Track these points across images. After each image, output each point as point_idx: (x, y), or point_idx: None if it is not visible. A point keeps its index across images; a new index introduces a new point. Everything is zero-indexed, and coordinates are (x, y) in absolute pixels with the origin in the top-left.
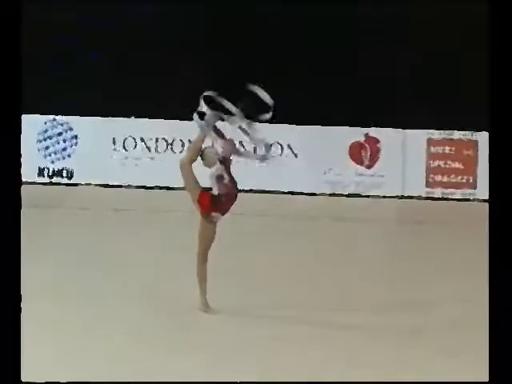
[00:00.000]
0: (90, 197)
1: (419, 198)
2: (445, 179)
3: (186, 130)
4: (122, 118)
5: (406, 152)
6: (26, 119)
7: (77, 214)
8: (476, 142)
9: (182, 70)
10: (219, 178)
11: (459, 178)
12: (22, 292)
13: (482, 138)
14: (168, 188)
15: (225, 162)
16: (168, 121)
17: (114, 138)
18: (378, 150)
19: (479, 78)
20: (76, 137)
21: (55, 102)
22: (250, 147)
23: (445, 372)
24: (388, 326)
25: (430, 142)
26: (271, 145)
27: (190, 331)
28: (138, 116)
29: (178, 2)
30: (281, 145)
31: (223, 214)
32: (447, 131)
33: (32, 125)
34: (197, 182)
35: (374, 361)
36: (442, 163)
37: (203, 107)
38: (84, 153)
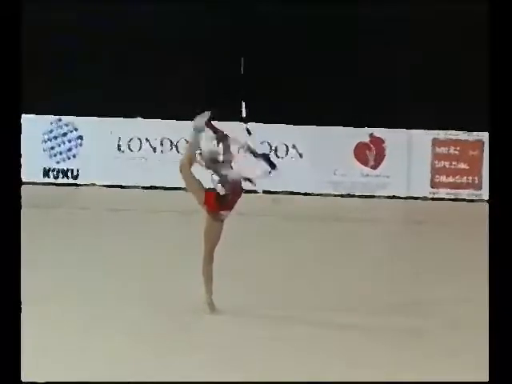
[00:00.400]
0: (92, 197)
1: (424, 198)
2: (450, 180)
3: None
4: (127, 119)
5: (411, 152)
6: (32, 120)
7: (77, 214)
8: (482, 143)
9: (183, 70)
10: (223, 179)
11: (464, 178)
12: (22, 292)
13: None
14: (170, 188)
15: (225, 161)
16: (172, 121)
17: (119, 138)
18: (383, 151)
19: (479, 77)
20: (81, 137)
21: (60, 102)
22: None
23: (445, 372)
24: (388, 326)
25: (435, 143)
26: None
27: (190, 331)
28: (143, 116)
29: (177, 2)
30: (286, 145)
31: (231, 210)
32: (452, 131)
33: (37, 125)
34: (199, 184)
35: (374, 361)
36: (447, 164)
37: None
38: (89, 153)
